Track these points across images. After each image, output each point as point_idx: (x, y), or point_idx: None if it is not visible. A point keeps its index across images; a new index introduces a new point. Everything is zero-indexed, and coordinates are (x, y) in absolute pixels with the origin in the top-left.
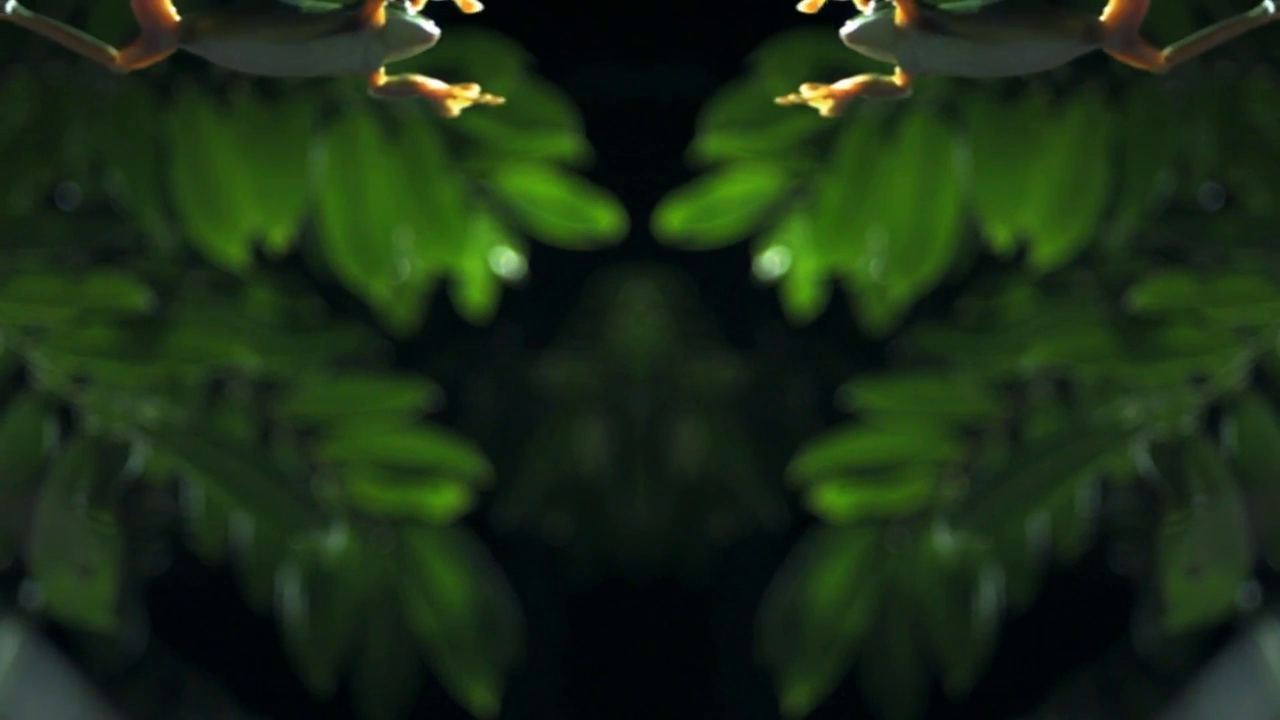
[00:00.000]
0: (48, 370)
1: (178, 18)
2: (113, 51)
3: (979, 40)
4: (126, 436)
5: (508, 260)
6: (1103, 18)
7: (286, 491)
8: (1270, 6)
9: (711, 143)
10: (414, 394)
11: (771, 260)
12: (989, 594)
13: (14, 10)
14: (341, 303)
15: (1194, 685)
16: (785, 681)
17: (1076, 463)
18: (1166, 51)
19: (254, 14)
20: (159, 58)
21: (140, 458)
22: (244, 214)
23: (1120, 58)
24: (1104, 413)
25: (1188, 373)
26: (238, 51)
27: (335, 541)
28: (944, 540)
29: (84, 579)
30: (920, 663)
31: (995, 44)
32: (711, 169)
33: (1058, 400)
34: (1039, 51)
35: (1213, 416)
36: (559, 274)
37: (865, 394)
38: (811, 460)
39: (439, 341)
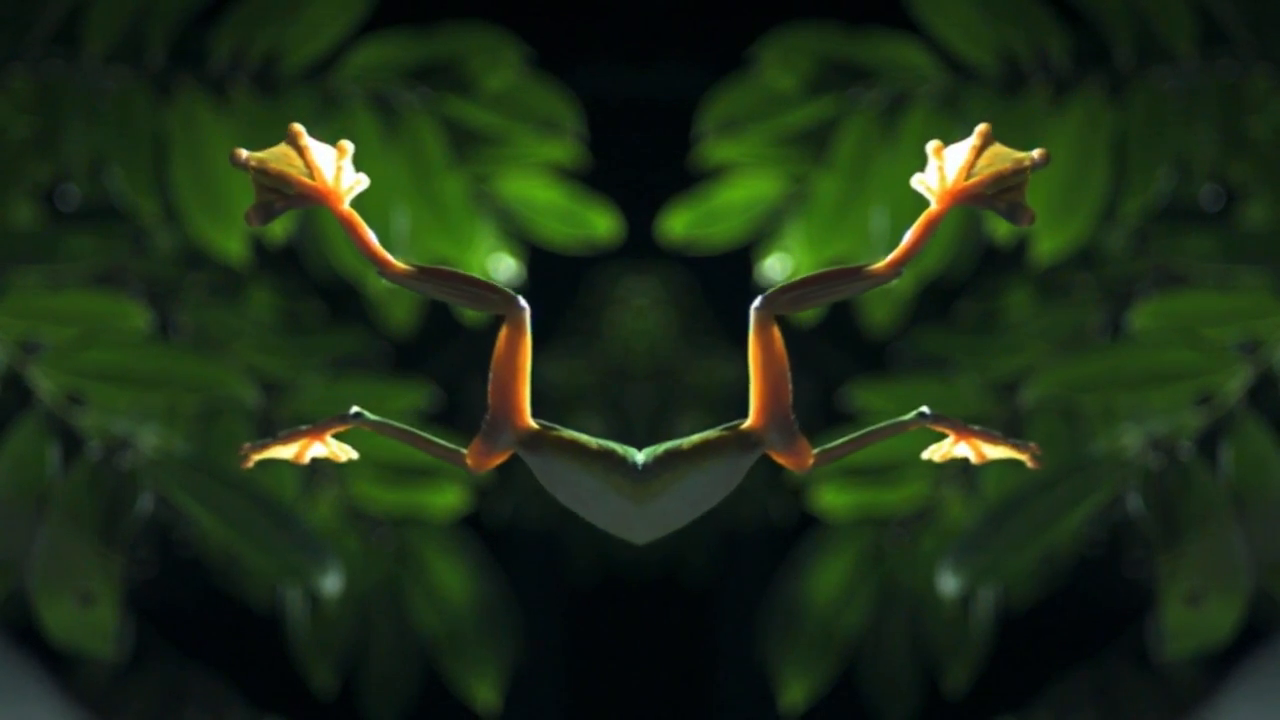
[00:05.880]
0: (47, 389)
1: (534, 424)
2: (464, 452)
3: (643, 503)
4: (129, 465)
5: (506, 267)
6: (748, 423)
7: (286, 531)
8: (926, 410)
9: (712, 146)
10: (414, 394)
11: (773, 266)
12: (986, 594)
13: (358, 415)
14: (341, 304)
15: (1214, 687)
16: (782, 679)
17: (1077, 497)
18: (815, 451)
19: (608, 458)
20: (502, 457)
21: (149, 497)
22: (243, 209)
23: (775, 456)
24: (1105, 440)
25: (1189, 396)
26: (571, 483)
27: (332, 584)
28: (947, 583)
29: (84, 606)
30: (917, 662)
31: (660, 496)
32: (713, 174)
33: (1056, 408)
34: (709, 483)
35: (1211, 438)
36: (559, 273)
37: (865, 394)
38: None
39: (439, 341)
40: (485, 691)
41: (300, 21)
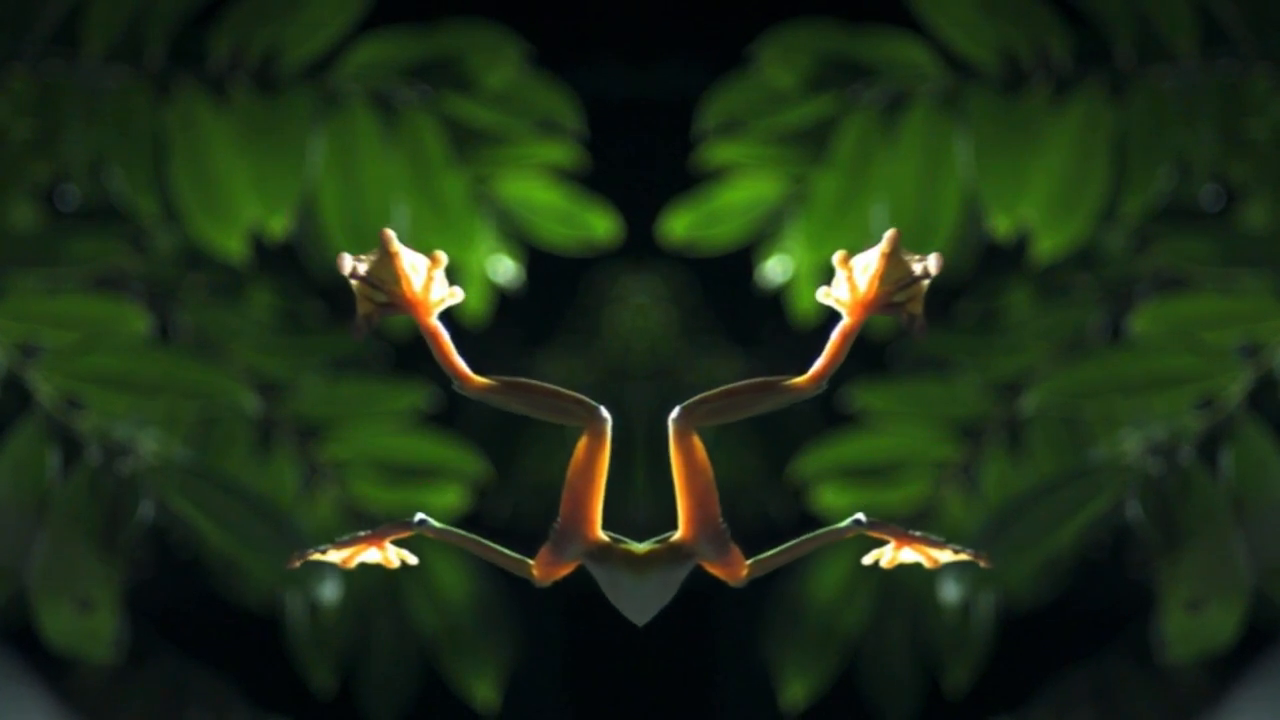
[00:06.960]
0: (47, 393)
1: (604, 536)
2: (530, 562)
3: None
4: (129, 470)
5: (505, 269)
6: (678, 536)
7: (286, 538)
8: (862, 517)
9: (712, 146)
10: (414, 395)
11: (774, 269)
12: (987, 596)
13: (422, 522)
14: (341, 304)
15: (1214, 688)
16: (783, 678)
17: (1078, 503)
18: (749, 562)
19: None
20: (567, 569)
21: (149, 503)
22: (243, 207)
23: (708, 567)
24: (1106, 445)
25: (1189, 400)
26: (636, 595)
27: (330, 591)
28: (949, 590)
29: (83, 613)
30: (917, 662)
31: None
32: (713, 174)
33: (1057, 414)
34: (647, 594)
35: (1212, 442)
36: (559, 272)
37: (865, 395)
38: (811, 460)
39: None
40: (485, 691)
41: (299, 20)
